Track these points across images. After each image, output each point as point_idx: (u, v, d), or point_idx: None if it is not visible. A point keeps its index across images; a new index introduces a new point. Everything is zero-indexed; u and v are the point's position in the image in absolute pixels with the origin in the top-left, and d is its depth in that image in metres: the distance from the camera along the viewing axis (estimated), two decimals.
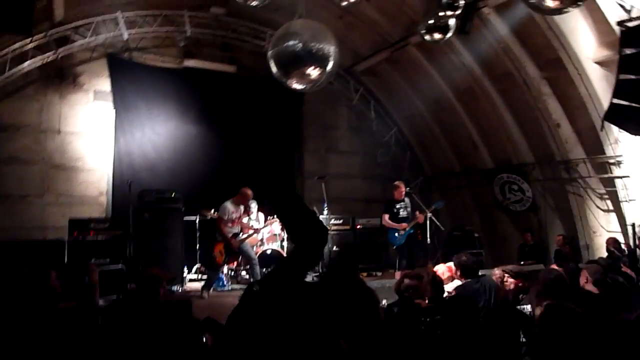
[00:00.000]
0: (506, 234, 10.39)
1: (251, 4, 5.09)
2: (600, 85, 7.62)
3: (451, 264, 4.68)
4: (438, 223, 7.69)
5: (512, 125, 9.37)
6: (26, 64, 7.90)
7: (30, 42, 7.81)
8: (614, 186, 8.19)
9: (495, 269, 4.18)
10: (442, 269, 4.78)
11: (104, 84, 9.01)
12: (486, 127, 9.99)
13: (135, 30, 8.67)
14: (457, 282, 4.47)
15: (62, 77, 8.70)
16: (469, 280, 4.24)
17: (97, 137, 8.89)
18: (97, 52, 8.90)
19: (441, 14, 5.77)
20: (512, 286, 4.06)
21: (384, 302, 3.98)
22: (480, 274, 4.38)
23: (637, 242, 7.47)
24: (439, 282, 4.01)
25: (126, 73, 9.01)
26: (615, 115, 6.86)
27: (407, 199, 7.84)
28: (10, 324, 2.47)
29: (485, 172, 10.38)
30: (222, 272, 7.16)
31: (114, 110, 8.94)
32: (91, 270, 3.61)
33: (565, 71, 7.86)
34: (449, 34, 6.10)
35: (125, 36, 8.50)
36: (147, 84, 9.09)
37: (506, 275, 4.01)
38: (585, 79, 7.72)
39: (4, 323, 2.36)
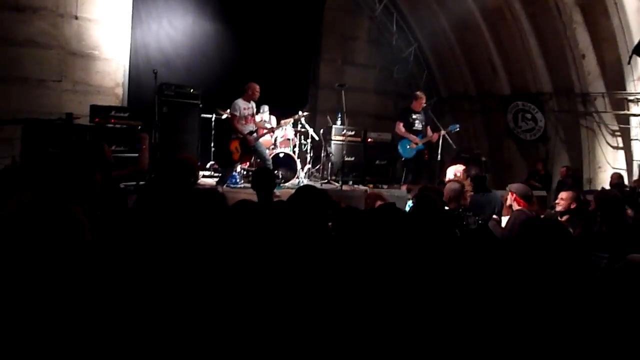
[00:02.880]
0: (512, 161, 10.55)
1: None
2: (634, 18, 7.42)
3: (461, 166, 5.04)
4: (451, 142, 7.77)
5: (536, 52, 9.16)
6: None
7: None
8: (628, 124, 8.21)
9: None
10: (454, 171, 5.15)
11: None
12: (509, 52, 9.77)
13: None
14: None
15: None
16: (477, 193, 4.47)
17: (115, 26, 8.70)
18: None
19: None
20: (515, 204, 4.30)
21: None
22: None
23: None
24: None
25: None
26: None
27: (422, 113, 7.78)
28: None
29: (501, 98, 10.31)
30: (236, 170, 7.38)
31: None
32: (142, 138, 3.81)
33: None
34: None
35: None
36: None
37: (510, 192, 4.24)
38: (620, 10, 7.47)
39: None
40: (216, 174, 7.83)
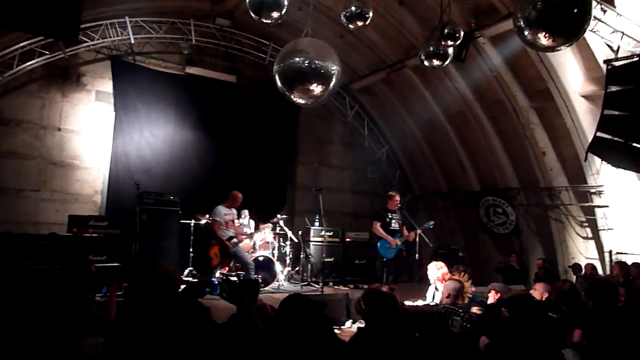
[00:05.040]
0: (489, 255, 10.72)
1: (264, 21, 5.33)
2: (585, 118, 8.02)
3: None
4: (428, 240, 7.92)
5: (500, 151, 9.73)
6: (33, 62, 8.03)
7: (38, 40, 7.95)
8: (594, 215, 8.56)
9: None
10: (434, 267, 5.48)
11: (106, 85, 9.15)
12: (475, 151, 10.36)
13: (141, 35, 8.88)
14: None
15: (65, 76, 8.83)
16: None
17: (96, 136, 9.01)
18: (101, 53, 9.06)
19: (442, 42, 6.07)
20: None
21: None
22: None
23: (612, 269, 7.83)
24: None
25: (129, 76, 9.16)
26: (598, 148, 7.27)
27: (398, 212, 7.95)
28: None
29: (471, 194, 10.72)
30: (215, 275, 7.29)
31: (114, 111, 9.07)
32: (112, 284, 3.77)
33: (553, 102, 8.26)
34: (447, 61, 6.40)
35: (132, 40, 8.70)
36: (149, 88, 9.26)
37: (494, 290, 4.40)
38: (571, 111, 8.11)
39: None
40: (194, 280, 7.70)
